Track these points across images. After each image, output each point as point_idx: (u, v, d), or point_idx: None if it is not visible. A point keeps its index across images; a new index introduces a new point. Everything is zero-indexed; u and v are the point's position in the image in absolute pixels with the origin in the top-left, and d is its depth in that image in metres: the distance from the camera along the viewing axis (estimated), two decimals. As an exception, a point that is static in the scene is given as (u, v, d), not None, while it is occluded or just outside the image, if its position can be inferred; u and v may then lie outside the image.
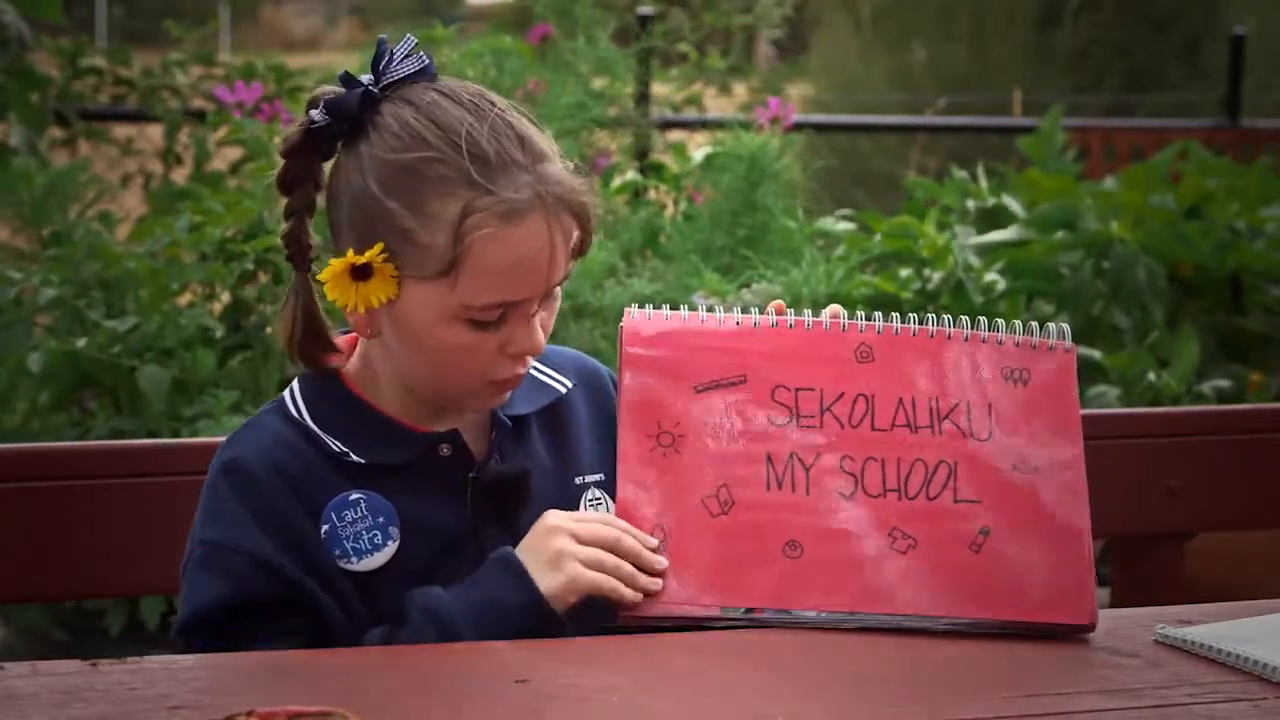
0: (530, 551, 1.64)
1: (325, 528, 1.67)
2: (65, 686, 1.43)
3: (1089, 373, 4.12)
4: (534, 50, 4.64)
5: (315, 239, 1.74)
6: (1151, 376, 4.09)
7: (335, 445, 1.69)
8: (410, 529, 1.69)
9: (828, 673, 1.54)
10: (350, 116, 1.67)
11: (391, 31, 4.63)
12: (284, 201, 1.72)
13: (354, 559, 1.67)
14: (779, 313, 1.72)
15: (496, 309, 1.65)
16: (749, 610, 1.64)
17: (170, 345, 3.75)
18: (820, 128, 6.35)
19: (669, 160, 5.01)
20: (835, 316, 1.73)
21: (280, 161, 1.71)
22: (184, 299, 4.03)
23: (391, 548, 1.68)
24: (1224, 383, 4.25)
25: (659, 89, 5.77)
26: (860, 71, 11.38)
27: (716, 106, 6.58)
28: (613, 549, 1.63)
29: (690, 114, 6.10)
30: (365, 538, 1.67)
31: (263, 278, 3.89)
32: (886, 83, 11.15)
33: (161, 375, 3.66)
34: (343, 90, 1.69)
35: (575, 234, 1.67)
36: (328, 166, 1.72)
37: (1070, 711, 1.45)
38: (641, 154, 5.06)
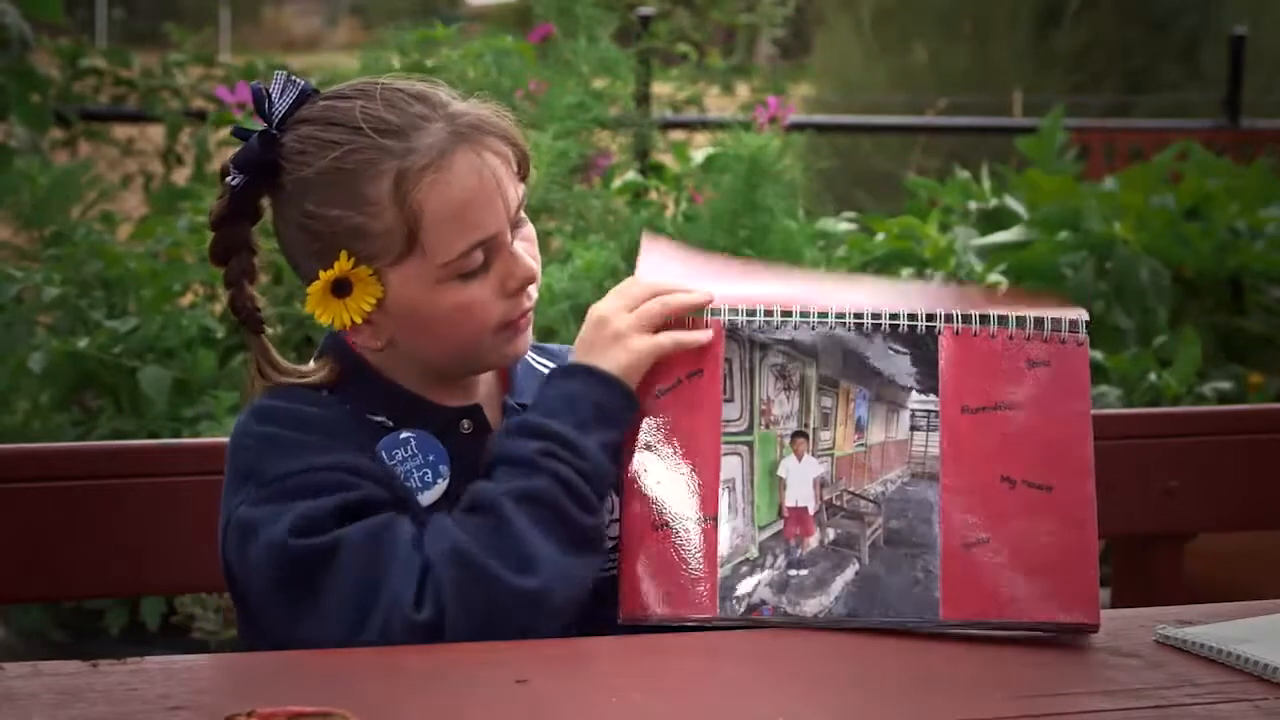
0: (590, 345, 1.69)
1: (378, 461, 1.68)
2: (65, 686, 1.43)
3: (1090, 373, 4.11)
4: (534, 50, 4.64)
5: (263, 302, 1.75)
6: (1153, 377, 4.09)
7: (364, 411, 1.71)
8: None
9: (828, 673, 1.54)
10: (259, 161, 1.68)
11: (392, 32, 4.63)
12: (222, 271, 1.74)
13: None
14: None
15: (475, 251, 1.66)
16: (748, 611, 1.64)
17: (171, 345, 3.76)
18: (821, 128, 6.35)
19: (670, 161, 5.00)
20: None
21: (210, 234, 1.73)
22: (185, 299, 4.03)
23: (442, 485, 1.69)
24: (1225, 384, 4.25)
25: (660, 89, 5.77)
26: (862, 72, 11.38)
27: (718, 106, 6.58)
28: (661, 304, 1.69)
29: (691, 114, 6.09)
30: (416, 475, 1.69)
31: (264, 278, 3.89)
32: (888, 83, 11.15)
33: (162, 376, 3.66)
34: (242, 143, 1.70)
35: (511, 156, 1.69)
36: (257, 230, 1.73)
37: (1070, 711, 1.45)
38: (642, 154, 5.06)
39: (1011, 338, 1.70)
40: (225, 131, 4.77)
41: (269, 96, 1.69)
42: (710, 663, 1.56)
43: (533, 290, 1.72)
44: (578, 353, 1.71)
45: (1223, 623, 1.63)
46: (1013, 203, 4.89)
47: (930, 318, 1.70)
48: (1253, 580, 2.78)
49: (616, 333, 1.69)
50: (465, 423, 1.73)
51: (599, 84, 4.63)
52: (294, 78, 1.71)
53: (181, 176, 5.75)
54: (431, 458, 1.70)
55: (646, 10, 5.34)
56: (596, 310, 1.72)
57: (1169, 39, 11.05)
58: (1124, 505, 2.36)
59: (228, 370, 3.77)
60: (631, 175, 4.82)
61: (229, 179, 1.70)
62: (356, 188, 1.64)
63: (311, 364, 1.75)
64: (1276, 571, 3.02)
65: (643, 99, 5.15)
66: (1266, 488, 2.46)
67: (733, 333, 1.70)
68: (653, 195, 4.75)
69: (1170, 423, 2.51)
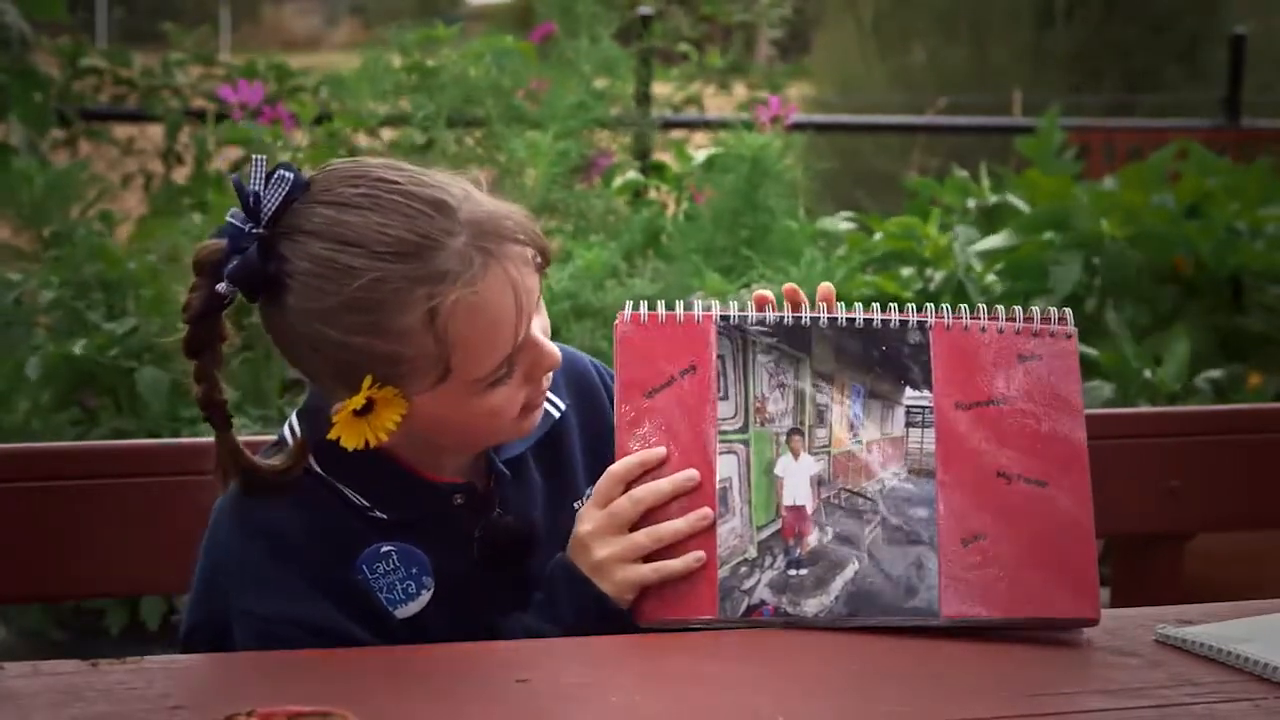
0: (583, 564, 1.66)
1: (358, 579, 1.65)
2: (65, 686, 1.43)
3: (1084, 370, 4.12)
4: (535, 50, 4.64)
5: (229, 392, 1.67)
6: (1147, 374, 4.09)
7: (356, 499, 1.67)
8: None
9: (828, 673, 1.54)
10: (259, 278, 1.59)
11: (393, 32, 4.63)
12: (193, 365, 1.65)
13: (389, 609, 1.66)
14: (759, 305, 1.71)
15: (505, 363, 1.62)
16: (748, 611, 1.64)
17: (170, 346, 3.75)
18: (821, 127, 6.35)
19: (670, 160, 5.01)
20: (825, 299, 1.72)
21: (183, 328, 1.64)
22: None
23: (426, 596, 1.67)
24: (1216, 373, 4.26)
25: (660, 89, 5.77)
26: (861, 72, 11.37)
27: (717, 106, 6.58)
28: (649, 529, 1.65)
29: (692, 114, 6.09)
30: (399, 588, 1.66)
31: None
32: (888, 83, 11.15)
33: (161, 377, 3.67)
34: (225, 246, 1.59)
35: (530, 254, 1.63)
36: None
37: (1070, 711, 1.45)
38: (643, 154, 5.06)
39: (1001, 331, 1.70)
40: (224, 131, 4.76)
41: (255, 194, 1.59)
42: (710, 663, 1.56)
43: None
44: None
45: (1222, 622, 1.63)
46: (1013, 199, 4.89)
47: (920, 313, 1.70)
48: (1252, 580, 2.77)
49: (597, 564, 1.65)
50: (458, 497, 1.70)
51: (600, 83, 4.63)
52: (280, 170, 1.59)
53: (181, 176, 5.74)
54: (414, 569, 1.67)
55: (646, 10, 5.34)
56: (580, 532, 1.67)
57: (1169, 39, 11.05)
58: (1124, 505, 2.36)
59: (227, 371, 3.76)
60: (632, 175, 4.83)
61: (219, 287, 1.60)
62: (384, 318, 1.57)
63: (282, 451, 1.68)
64: (1276, 571, 3.02)
65: (643, 98, 5.15)
66: (1266, 488, 2.46)
67: (725, 329, 1.69)
68: (653, 195, 4.75)
69: (1170, 423, 2.51)
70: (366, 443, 1.64)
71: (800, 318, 1.70)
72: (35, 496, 2.03)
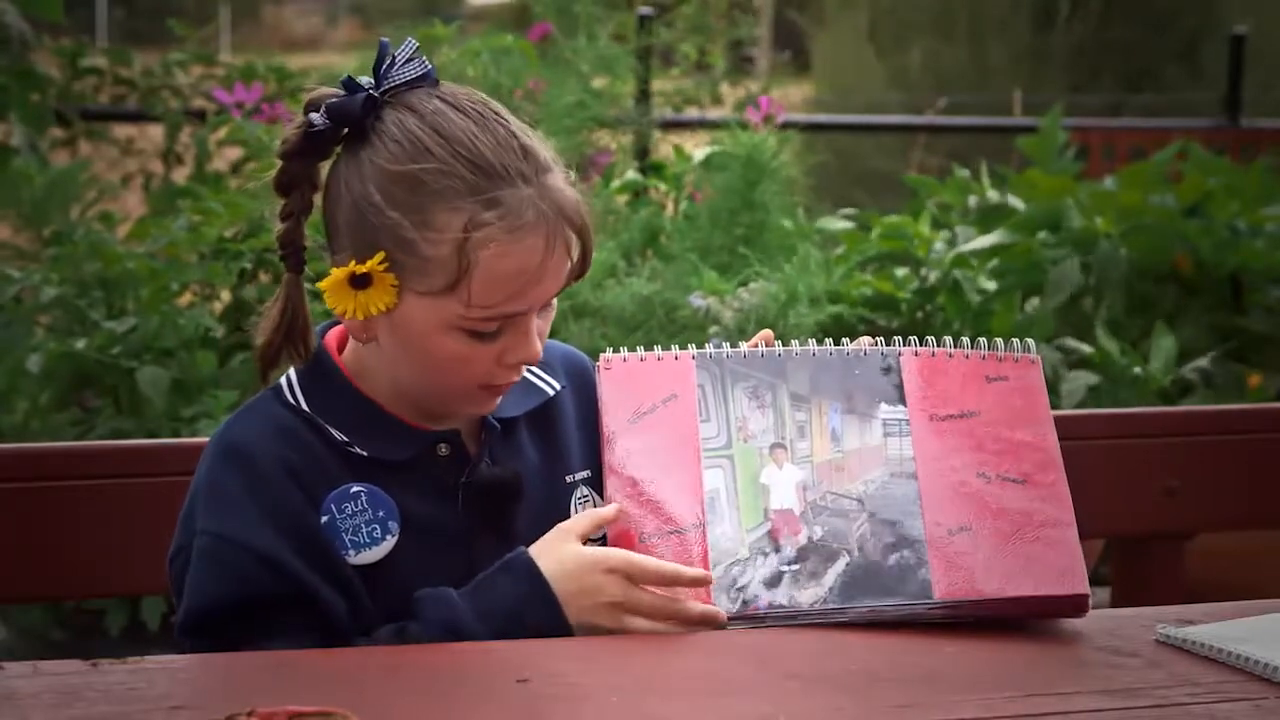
0: (576, 585, 1.65)
1: (324, 519, 1.67)
2: (65, 686, 1.43)
3: (1075, 366, 4.13)
4: (534, 49, 4.64)
5: (310, 240, 1.72)
6: (1137, 370, 4.10)
7: (338, 435, 1.70)
8: (404, 525, 1.69)
9: (828, 672, 1.54)
10: (353, 121, 1.67)
11: (392, 32, 4.65)
12: (280, 203, 1.71)
13: (352, 552, 1.67)
14: (768, 343, 1.78)
15: (496, 321, 1.65)
16: (744, 607, 1.66)
17: (170, 345, 3.76)
18: (820, 127, 6.34)
19: (669, 160, 5.00)
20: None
21: (278, 163, 1.70)
22: (184, 299, 4.03)
23: (390, 542, 1.68)
24: (1203, 361, 4.26)
25: (659, 87, 5.76)
26: (861, 72, 11.37)
27: (715, 107, 6.57)
28: (671, 584, 1.65)
29: (690, 113, 6.09)
30: (364, 531, 1.67)
31: (263, 277, 3.90)
32: (887, 83, 11.15)
33: (161, 375, 3.66)
34: (344, 94, 1.68)
35: (576, 249, 1.67)
36: (324, 166, 1.71)
37: (1070, 711, 1.45)
38: (642, 153, 5.06)
39: (967, 357, 1.77)
40: (224, 131, 4.76)
41: (393, 60, 1.67)
42: (710, 662, 1.56)
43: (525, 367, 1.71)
44: (556, 580, 1.65)
45: (1223, 622, 1.63)
46: (1014, 200, 4.88)
47: (889, 345, 1.77)
48: (1252, 580, 2.78)
49: (613, 604, 1.64)
50: (442, 446, 1.72)
51: (598, 83, 4.63)
52: (424, 58, 1.69)
53: (181, 176, 5.74)
54: (381, 514, 1.68)
55: (646, 10, 5.34)
56: (607, 558, 1.66)
57: (1169, 38, 11.06)
58: (1124, 505, 2.36)
59: (226, 370, 3.77)
60: (631, 174, 4.82)
61: (314, 115, 1.67)
62: (427, 206, 1.62)
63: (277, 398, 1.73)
64: (1276, 572, 3.02)
65: (642, 98, 5.15)
66: (1266, 488, 2.47)
67: (703, 363, 1.75)
68: (652, 194, 4.75)
69: (1170, 423, 2.51)
70: (354, 388, 1.71)
71: (775, 351, 1.77)
72: (35, 496, 2.03)
